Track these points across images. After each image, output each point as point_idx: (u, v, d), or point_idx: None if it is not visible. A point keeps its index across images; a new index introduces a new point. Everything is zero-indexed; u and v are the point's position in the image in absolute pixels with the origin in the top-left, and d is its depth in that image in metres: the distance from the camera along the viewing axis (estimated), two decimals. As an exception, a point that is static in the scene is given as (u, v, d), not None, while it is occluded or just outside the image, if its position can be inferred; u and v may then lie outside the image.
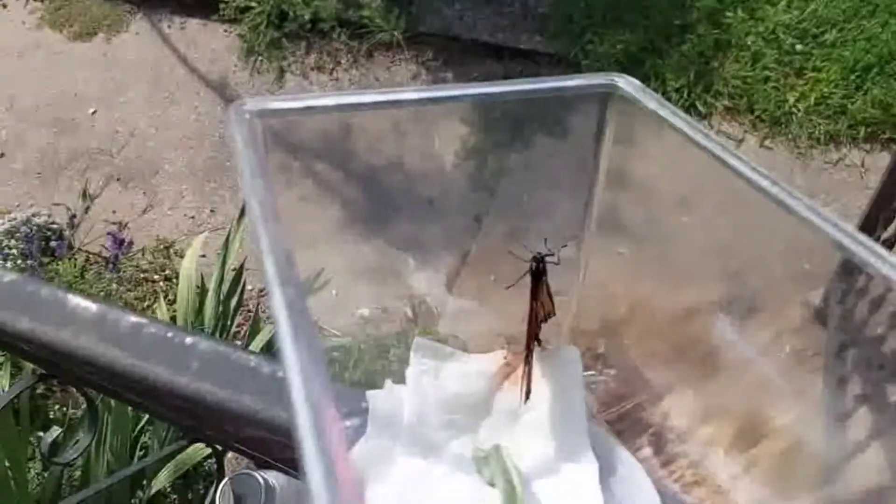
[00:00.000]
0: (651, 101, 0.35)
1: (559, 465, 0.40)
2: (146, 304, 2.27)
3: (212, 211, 2.53)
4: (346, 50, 2.83)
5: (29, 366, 1.52)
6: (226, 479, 0.73)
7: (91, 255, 2.43)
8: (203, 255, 2.09)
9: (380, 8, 2.76)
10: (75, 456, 0.65)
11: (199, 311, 1.80)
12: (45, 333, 0.48)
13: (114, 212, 2.56)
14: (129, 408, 1.55)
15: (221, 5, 2.90)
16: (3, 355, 1.72)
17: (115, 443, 1.56)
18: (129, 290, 2.29)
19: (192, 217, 2.53)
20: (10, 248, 2.28)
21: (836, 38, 2.57)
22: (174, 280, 2.29)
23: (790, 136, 2.45)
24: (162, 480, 1.61)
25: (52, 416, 1.86)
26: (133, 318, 0.48)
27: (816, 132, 2.43)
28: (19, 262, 2.24)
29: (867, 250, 0.30)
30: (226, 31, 2.98)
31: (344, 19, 2.81)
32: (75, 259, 2.37)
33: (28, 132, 2.80)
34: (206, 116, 2.75)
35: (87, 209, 2.57)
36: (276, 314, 0.24)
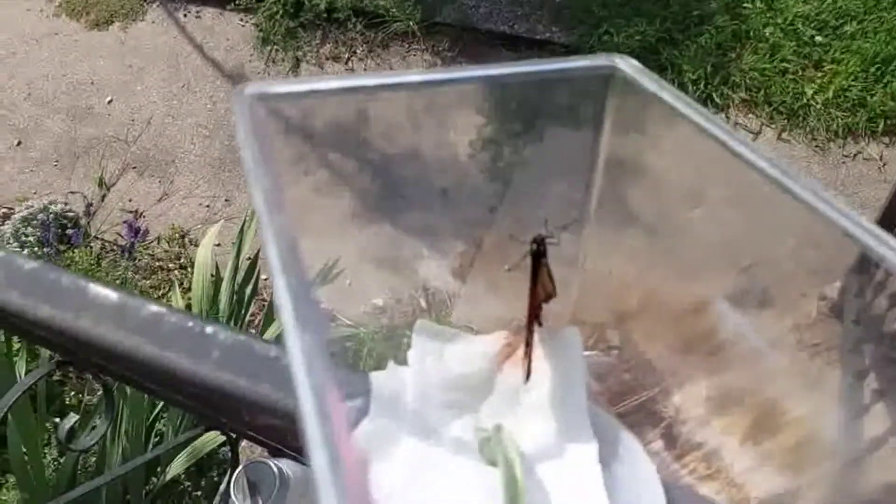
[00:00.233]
0: (651, 82, 0.34)
1: (559, 445, 0.40)
2: (161, 292, 2.29)
3: (226, 200, 2.54)
4: (362, 40, 2.83)
5: (46, 352, 1.54)
6: (240, 466, 0.74)
7: (107, 243, 2.45)
8: (218, 244, 2.10)
9: (395, -3, 2.76)
10: (92, 443, 0.66)
11: (214, 299, 1.81)
12: (65, 321, 0.48)
13: (130, 200, 2.58)
14: (145, 395, 1.56)
15: (237, -6, 2.91)
16: (20, 342, 1.74)
17: (131, 429, 1.57)
18: (144, 279, 2.31)
19: (208, 206, 2.54)
20: (27, 236, 2.30)
21: (856, 29, 2.54)
22: (189, 269, 2.30)
23: (808, 128, 2.43)
24: (176, 467, 1.62)
25: (67, 403, 1.88)
26: (154, 308, 0.48)
27: (835, 125, 2.41)
28: (36, 249, 2.26)
29: (884, 245, 0.29)
30: (241, 20, 2.98)
31: (360, 9, 2.81)
32: (91, 247, 2.39)
33: (45, 120, 2.82)
34: (221, 106, 2.76)
35: (103, 197, 2.59)
36: (279, 300, 0.25)
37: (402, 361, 0.41)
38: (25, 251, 2.26)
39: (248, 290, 1.87)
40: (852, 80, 2.45)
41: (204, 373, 0.45)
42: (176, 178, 2.62)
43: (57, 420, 1.74)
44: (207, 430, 0.67)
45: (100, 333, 0.47)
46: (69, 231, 2.36)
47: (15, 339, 1.71)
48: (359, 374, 0.40)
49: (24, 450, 1.54)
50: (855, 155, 2.39)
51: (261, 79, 2.81)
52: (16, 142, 2.78)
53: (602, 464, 0.39)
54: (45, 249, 2.26)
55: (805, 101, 2.45)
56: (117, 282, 2.21)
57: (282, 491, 0.73)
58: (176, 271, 2.36)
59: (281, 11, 2.87)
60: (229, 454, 0.75)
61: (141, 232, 2.24)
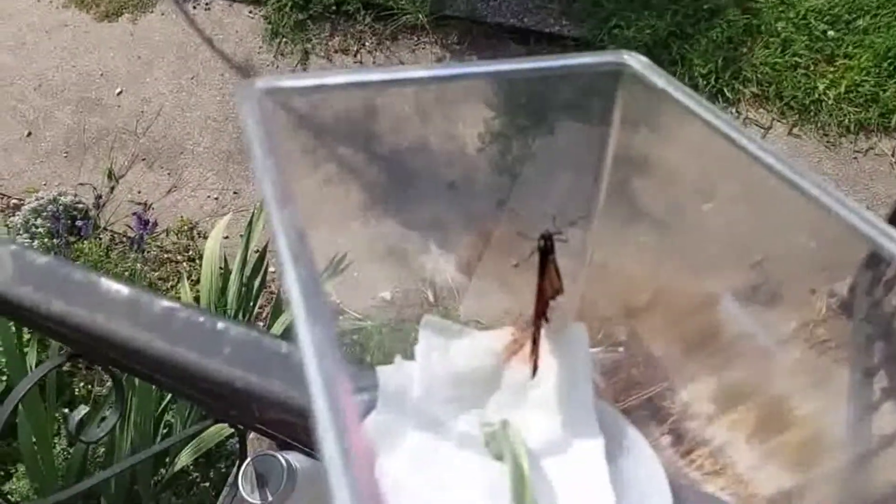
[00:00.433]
0: (660, 78, 0.34)
1: (565, 440, 0.40)
2: (170, 284, 2.30)
3: (235, 193, 2.55)
4: (371, 32, 2.82)
5: (56, 344, 1.55)
6: (248, 459, 0.74)
7: (116, 235, 2.46)
8: (226, 237, 2.11)
9: (405, -10, 2.75)
10: (102, 435, 0.66)
11: (223, 292, 1.82)
12: (77, 315, 0.48)
13: (139, 192, 2.59)
14: (153, 387, 1.57)
15: (247, -13, 2.91)
16: (31, 333, 1.75)
17: (139, 421, 1.58)
18: (153, 270, 2.32)
19: (216, 198, 2.54)
20: (37, 227, 2.31)
21: (869, 24, 2.52)
22: (197, 261, 2.31)
23: (819, 124, 2.42)
24: (184, 458, 1.63)
25: (77, 394, 1.89)
26: (165, 303, 0.48)
27: (846, 120, 2.39)
28: (45, 240, 2.27)
29: (895, 242, 0.29)
30: (250, 12, 2.98)
31: (368, 1, 2.81)
32: (100, 238, 2.40)
33: (55, 111, 2.83)
34: (230, 98, 2.76)
35: (112, 189, 2.60)
36: (289, 291, 0.25)
37: (410, 356, 0.41)
38: (35, 242, 2.27)
39: (257, 282, 1.87)
40: (864, 76, 2.44)
41: (214, 368, 0.45)
42: (185, 171, 2.62)
43: (66, 411, 1.75)
44: (216, 423, 0.67)
45: (112, 328, 0.48)
46: (79, 223, 2.37)
47: (26, 330, 1.73)
48: (366, 368, 0.40)
49: (34, 440, 1.55)
50: (867, 150, 2.38)
51: (269, 71, 2.81)
52: (26, 133, 2.79)
53: (608, 459, 0.39)
54: (54, 241, 2.27)
55: (817, 96, 2.44)
56: (126, 274, 2.22)
57: (289, 483, 0.73)
58: (184, 263, 2.36)
59: (290, 4, 2.87)
60: (237, 446, 0.75)
61: (150, 224, 2.25)
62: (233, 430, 0.68)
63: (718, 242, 0.44)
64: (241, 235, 1.93)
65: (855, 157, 2.37)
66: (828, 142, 2.40)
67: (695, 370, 0.49)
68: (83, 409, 0.64)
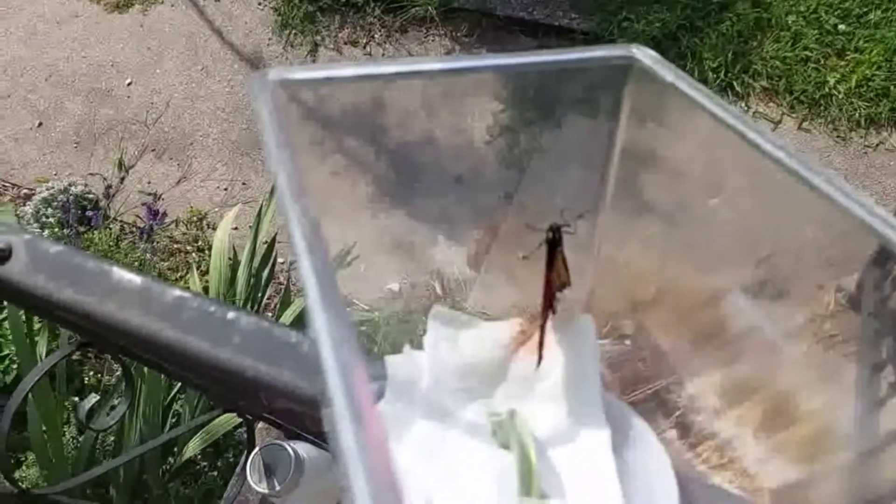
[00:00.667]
0: (668, 72, 0.34)
1: (572, 431, 0.41)
2: (179, 274, 2.31)
3: (244, 184, 2.55)
4: (380, 25, 2.82)
5: (66, 333, 1.56)
6: (256, 449, 0.75)
7: (126, 225, 2.47)
8: (235, 228, 2.11)
9: (414, -18, 2.74)
10: (111, 423, 0.67)
11: (231, 282, 1.83)
12: (89, 304, 0.49)
13: (148, 182, 2.59)
14: (163, 377, 1.58)
15: (256, -22, 2.90)
16: (41, 322, 1.76)
17: (148, 410, 1.59)
18: (162, 261, 2.33)
19: (226, 189, 2.55)
20: (47, 217, 2.32)
21: (880, 18, 2.51)
22: (206, 251, 2.32)
23: (829, 118, 2.40)
24: (193, 448, 1.64)
25: (87, 383, 1.90)
26: (176, 293, 0.49)
27: (857, 115, 2.38)
28: (56, 230, 2.28)
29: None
30: (260, 4, 2.98)
31: (378, -7, 2.80)
32: (110, 229, 2.41)
33: (66, 102, 2.84)
34: (240, 89, 2.76)
35: (122, 179, 2.61)
36: (304, 280, 0.25)
37: (418, 346, 0.42)
38: (46, 232, 2.28)
39: (265, 273, 1.88)
40: (875, 70, 2.42)
41: (224, 357, 0.46)
42: (194, 161, 2.63)
43: (76, 399, 1.76)
44: (224, 413, 0.68)
45: (123, 317, 0.48)
46: (89, 213, 2.37)
47: (36, 319, 1.74)
48: (374, 358, 0.41)
49: (44, 428, 1.56)
50: (877, 145, 2.37)
51: (279, 63, 2.81)
52: (37, 123, 2.80)
53: (614, 450, 0.40)
54: (65, 231, 2.28)
55: (827, 90, 2.42)
56: (136, 264, 2.23)
57: (297, 473, 0.73)
58: (193, 254, 2.37)
59: (300, -5, 2.87)
60: (245, 436, 0.75)
61: (159, 215, 2.26)
62: (241, 420, 0.68)
63: (726, 237, 0.44)
64: (250, 226, 1.93)
65: (865, 152, 2.36)
66: (838, 136, 2.39)
67: (702, 364, 0.49)
68: (93, 398, 0.65)
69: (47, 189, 2.38)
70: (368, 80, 0.34)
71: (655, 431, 0.42)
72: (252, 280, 1.84)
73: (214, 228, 2.33)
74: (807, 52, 2.48)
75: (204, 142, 2.67)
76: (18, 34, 3.07)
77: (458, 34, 2.77)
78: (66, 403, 1.71)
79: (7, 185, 2.64)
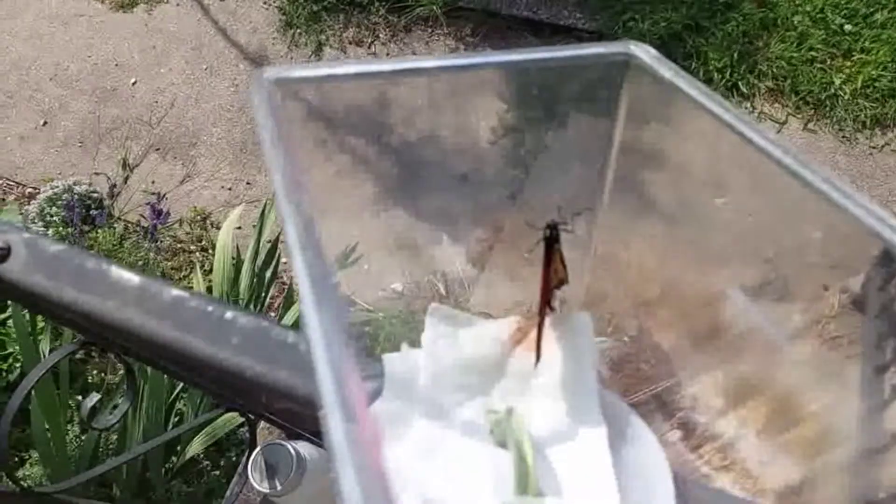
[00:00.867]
0: (667, 70, 0.34)
1: (569, 428, 0.41)
2: (182, 273, 2.31)
3: (248, 183, 2.55)
4: (385, 24, 2.82)
5: (69, 332, 1.56)
6: (258, 448, 0.75)
7: (130, 224, 2.47)
8: (239, 227, 2.11)
9: (419, -18, 2.74)
10: (114, 422, 0.67)
11: (235, 282, 1.83)
12: (88, 304, 0.49)
13: (152, 182, 2.60)
14: (165, 376, 1.58)
15: (261, -23, 2.91)
16: (44, 321, 1.76)
17: (151, 409, 1.59)
18: (166, 260, 2.33)
19: (230, 189, 2.55)
20: (51, 216, 2.33)
21: (887, 18, 2.50)
22: (210, 251, 2.32)
23: (835, 119, 2.40)
24: (195, 447, 1.64)
25: (90, 381, 1.90)
26: (175, 292, 0.49)
27: (862, 115, 2.37)
28: (60, 229, 2.29)
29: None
30: (265, 3, 2.98)
31: (383, -7, 2.81)
32: (114, 228, 2.41)
33: (70, 101, 2.85)
34: (244, 89, 2.77)
35: (126, 178, 2.61)
36: (297, 278, 0.25)
37: (417, 344, 0.42)
38: (50, 231, 2.29)
39: (269, 273, 1.88)
40: (882, 70, 2.41)
41: (223, 357, 0.46)
42: (198, 161, 2.63)
43: (79, 398, 1.77)
44: (226, 412, 0.68)
45: (122, 316, 0.48)
46: (93, 212, 2.38)
47: (39, 318, 1.74)
48: (373, 357, 0.40)
49: (47, 427, 1.56)
50: (882, 146, 2.36)
51: (283, 62, 2.81)
52: (42, 122, 2.81)
53: (610, 447, 0.40)
54: (69, 230, 2.28)
55: (833, 90, 2.42)
56: (140, 263, 2.23)
57: (298, 473, 0.73)
58: (197, 253, 2.37)
59: (304, -5, 2.87)
60: (247, 435, 0.75)
61: (163, 214, 2.26)
62: (243, 419, 0.68)
63: (729, 237, 0.44)
64: (254, 226, 1.93)
65: (870, 153, 2.35)
66: (843, 137, 2.38)
67: (704, 365, 0.49)
68: (95, 397, 0.65)
69: (52, 188, 2.39)
70: (365, 79, 0.34)
71: (657, 433, 0.42)
72: (255, 280, 1.84)
73: (218, 228, 2.33)
74: (813, 53, 2.48)
75: (208, 141, 2.67)
76: (23, 34, 3.08)
77: (463, 34, 2.77)
78: (70, 402, 1.72)
79: (12, 183, 2.65)
